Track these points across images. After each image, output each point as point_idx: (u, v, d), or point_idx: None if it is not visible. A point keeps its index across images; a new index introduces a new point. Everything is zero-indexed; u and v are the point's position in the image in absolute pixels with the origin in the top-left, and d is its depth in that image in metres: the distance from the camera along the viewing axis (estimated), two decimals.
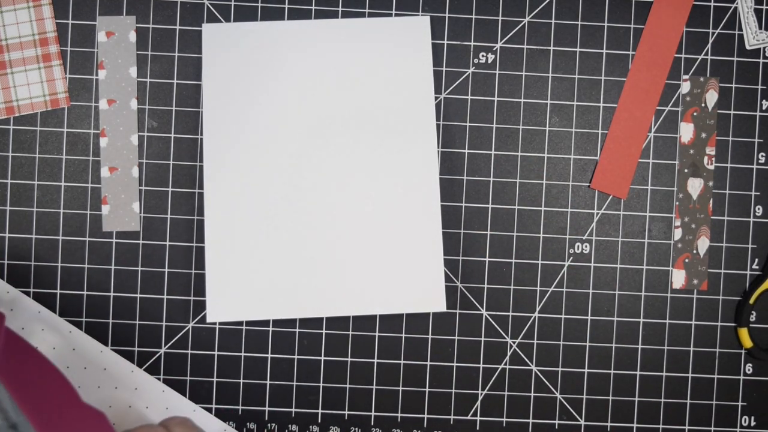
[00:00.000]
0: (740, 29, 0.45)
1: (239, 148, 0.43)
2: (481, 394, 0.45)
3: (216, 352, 0.45)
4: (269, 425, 0.45)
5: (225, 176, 0.43)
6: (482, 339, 0.45)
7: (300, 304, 0.43)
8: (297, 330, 0.45)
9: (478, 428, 0.45)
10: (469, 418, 0.45)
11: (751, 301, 0.45)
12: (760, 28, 0.45)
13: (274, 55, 0.43)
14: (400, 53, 0.44)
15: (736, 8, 0.45)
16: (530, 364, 0.45)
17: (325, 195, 0.43)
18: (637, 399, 0.45)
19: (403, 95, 0.43)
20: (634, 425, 0.45)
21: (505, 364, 0.45)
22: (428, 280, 0.44)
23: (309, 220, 0.43)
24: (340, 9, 0.45)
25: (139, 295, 0.44)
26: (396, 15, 0.45)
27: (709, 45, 0.45)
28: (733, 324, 0.46)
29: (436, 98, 0.45)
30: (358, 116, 0.44)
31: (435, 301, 0.44)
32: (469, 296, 0.45)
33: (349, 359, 0.45)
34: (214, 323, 0.45)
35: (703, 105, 0.45)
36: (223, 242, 0.43)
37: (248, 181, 0.43)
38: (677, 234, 0.45)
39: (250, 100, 0.43)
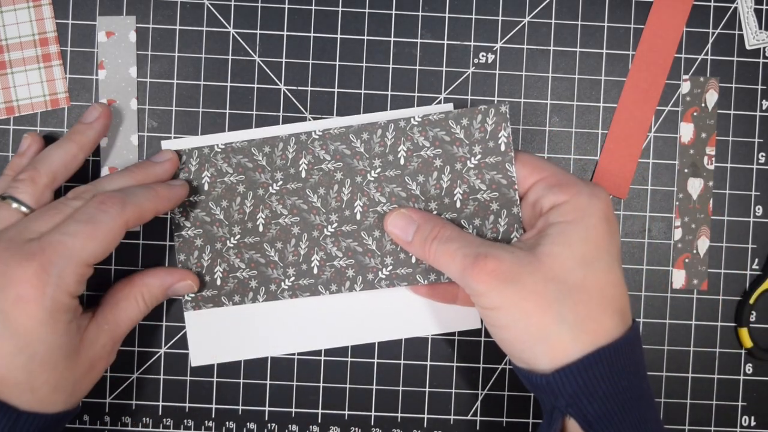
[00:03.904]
0: (740, 29, 0.45)
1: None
2: (481, 394, 0.45)
3: None
4: (269, 425, 0.45)
5: None
6: (482, 339, 0.45)
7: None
8: None
9: (478, 428, 0.45)
10: (469, 418, 0.45)
11: (751, 301, 0.45)
12: (760, 28, 0.45)
13: None
14: None
15: (736, 8, 0.45)
16: None
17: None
18: None
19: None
20: None
21: (505, 364, 0.45)
22: None
23: None
24: (340, 9, 0.45)
25: None
26: (396, 13, 0.44)
27: (709, 45, 0.45)
28: (733, 324, 0.46)
29: (436, 98, 0.45)
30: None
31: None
32: None
33: (349, 359, 0.45)
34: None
35: (703, 105, 0.45)
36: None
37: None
38: (677, 234, 0.45)
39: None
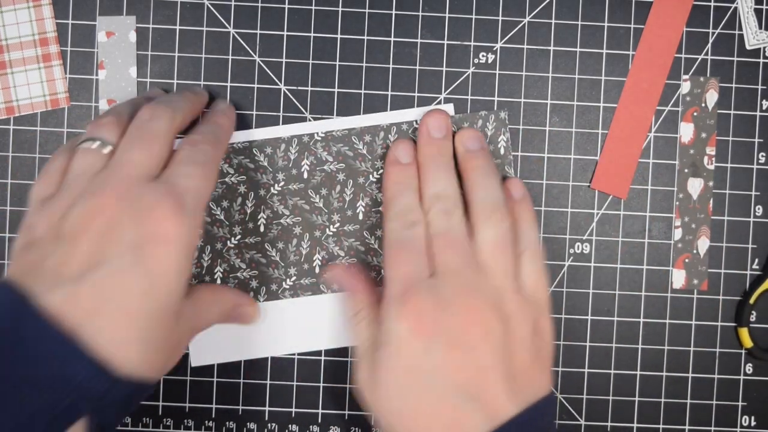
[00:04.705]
0: (740, 29, 0.45)
1: None
2: None
3: None
4: (269, 425, 0.45)
5: None
6: None
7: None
8: None
9: None
10: None
11: (751, 301, 0.45)
12: (760, 28, 0.45)
13: None
14: None
15: (736, 8, 0.45)
16: None
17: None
18: (637, 399, 0.45)
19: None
20: (634, 425, 0.45)
21: None
22: None
23: None
24: (340, 9, 0.45)
25: None
26: (396, 13, 0.44)
27: (709, 45, 0.45)
28: (733, 324, 0.46)
29: (436, 98, 0.45)
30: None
31: None
32: None
33: (349, 359, 0.45)
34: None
35: (703, 105, 0.45)
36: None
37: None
38: (677, 234, 0.45)
39: None
